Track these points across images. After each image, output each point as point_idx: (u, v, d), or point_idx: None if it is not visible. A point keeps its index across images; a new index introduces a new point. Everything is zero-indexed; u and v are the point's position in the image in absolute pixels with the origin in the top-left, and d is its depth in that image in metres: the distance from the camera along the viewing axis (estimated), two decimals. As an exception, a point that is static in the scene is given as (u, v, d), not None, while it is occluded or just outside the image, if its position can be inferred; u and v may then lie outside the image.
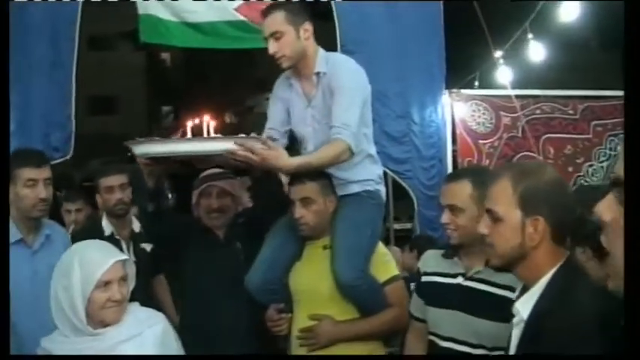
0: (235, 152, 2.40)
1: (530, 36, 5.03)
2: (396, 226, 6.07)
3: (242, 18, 4.66)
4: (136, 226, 3.44)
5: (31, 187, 2.57)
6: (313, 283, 2.70)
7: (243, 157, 2.41)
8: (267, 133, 2.87)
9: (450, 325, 2.21)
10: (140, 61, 19.17)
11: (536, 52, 5.14)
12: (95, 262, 1.95)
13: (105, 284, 1.94)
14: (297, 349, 2.70)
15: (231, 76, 16.71)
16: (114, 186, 3.35)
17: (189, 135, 2.42)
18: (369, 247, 2.73)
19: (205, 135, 2.44)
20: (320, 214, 2.65)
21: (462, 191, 2.19)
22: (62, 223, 3.47)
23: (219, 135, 2.43)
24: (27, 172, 2.57)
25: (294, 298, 2.78)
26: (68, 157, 4.44)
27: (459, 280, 2.25)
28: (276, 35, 2.64)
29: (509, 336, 1.63)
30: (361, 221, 2.70)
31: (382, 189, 2.90)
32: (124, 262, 2.04)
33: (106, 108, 17.56)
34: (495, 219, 1.61)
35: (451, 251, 2.33)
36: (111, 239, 3.18)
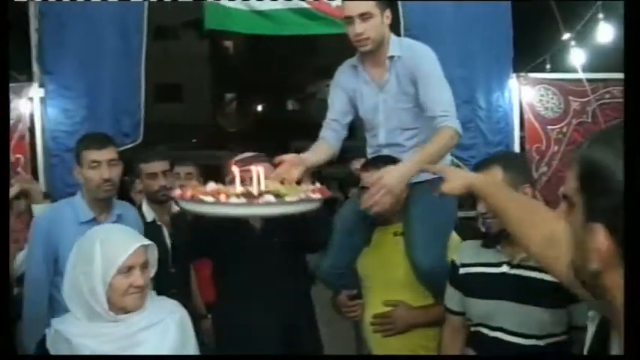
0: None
1: (601, 16, 4.85)
2: (460, 213, 5.98)
3: (306, 5, 4.68)
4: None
5: (95, 168, 2.67)
6: (385, 270, 2.69)
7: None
8: (329, 125, 2.87)
9: (498, 315, 2.16)
10: (204, 49, 19.46)
11: (607, 33, 4.96)
12: (118, 247, 1.87)
13: (127, 269, 1.86)
14: (370, 335, 2.70)
15: (293, 63, 16.79)
16: (157, 172, 3.33)
17: (237, 180, 2.16)
18: (446, 234, 2.71)
19: (256, 183, 2.15)
20: (394, 200, 2.58)
21: (494, 178, 2.13)
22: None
23: (271, 196, 2.07)
24: (90, 154, 2.68)
25: (364, 283, 2.78)
26: (138, 142, 4.60)
27: (504, 268, 2.19)
28: (364, 16, 2.61)
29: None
30: (437, 207, 2.65)
31: None
32: (146, 247, 1.95)
33: (171, 96, 17.92)
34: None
35: (491, 240, 2.26)
36: (152, 225, 3.23)
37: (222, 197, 1.99)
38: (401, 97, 2.71)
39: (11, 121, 4.49)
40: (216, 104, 20.54)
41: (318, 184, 2.38)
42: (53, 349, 1.83)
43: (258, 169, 2.15)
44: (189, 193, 2.08)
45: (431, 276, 2.58)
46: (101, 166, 2.67)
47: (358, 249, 2.78)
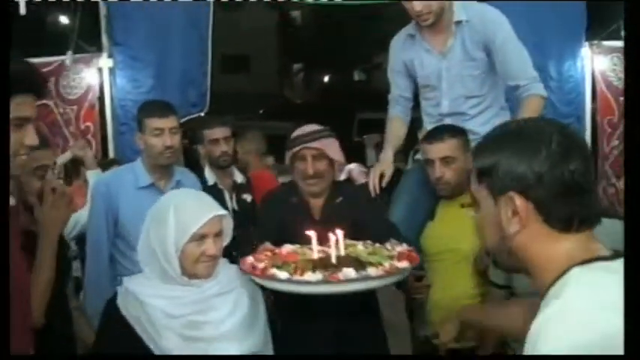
0: None
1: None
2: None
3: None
4: (238, 177, 3.50)
5: (157, 136, 2.70)
6: (453, 243, 2.59)
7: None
8: (396, 101, 2.82)
9: None
10: (272, 20, 19.52)
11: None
12: (191, 215, 1.82)
13: (200, 237, 1.81)
14: (437, 317, 2.59)
15: (360, 33, 16.63)
16: (219, 138, 3.38)
17: (314, 244, 2.01)
18: None
19: (334, 249, 1.97)
20: (460, 171, 2.51)
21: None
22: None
23: (352, 270, 1.88)
24: (153, 122, 2.71)
25: (428, 259, 2.66)
26: (205, 111, 4.68)
27: None
28: None
29: None
30: None
31: None
32: (221, 217, 1.89)
33: (239, 66, 18.09)
34: None
35: None
36: (214, 189, 3.28)
37: (298, 275, 1.85)
38: (467, 64, 2.62)
39: (80, 91, 4.65)
40: (283, 75, 20.60)
41: (405, 245, 2.18)
42: (124, 307, 1.81)
43: (337, 234, 2.00)
44: (261, 266, 1.95)
45: None
46: (163, 133, 2.71)
47: (423, 223, 2.70)
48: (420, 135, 2.81)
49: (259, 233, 2.52)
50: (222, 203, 3.21)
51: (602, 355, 0.95)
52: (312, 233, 2.04)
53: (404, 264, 1.98)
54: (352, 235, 2.46)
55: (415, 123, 3.04)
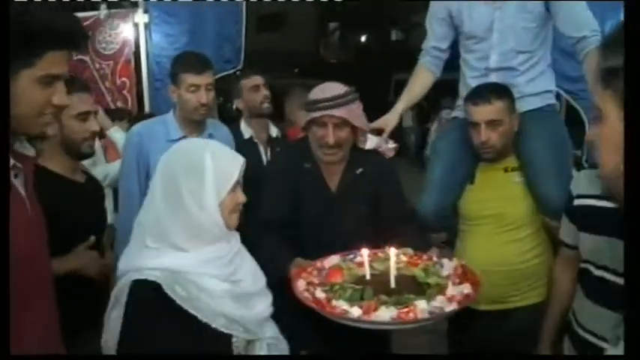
0: None
1: None
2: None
3: None
4: (274, 131, 3.45)
5: (193, 92, 2.67)
6: (497, 209, 2.48)
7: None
8: (428, 52, 2.71)
9: (605, 253, 2.00)
10: (308, -23, 19.28)
11: None
12: (231, 161, 1.68)
13: (236, 186, 1.67)
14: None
15: (399, -9, 16.35)
16: (259, 85, 3.36)
17: (366, 264, 1.90)
18: (570, 167, 2.47)
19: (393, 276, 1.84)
20: (506, 134, 2.40)
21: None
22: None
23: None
24: (190, 78, 2.67)
25: (467, 222, 2.58)
26: (239, 68, 4.68)
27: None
28: None
29: None
30: (556, 139, 2.45)
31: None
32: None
33: (274, 25, 17.97)
34: None
35: None
36: (249, 143, 3.27)
37: (371, 313, 1.70)
38: (522, 15, 2.47)
39: (116, 46, 4.69)
40: (319, 34, 20.41)
41: (454, 261, 2.02)
42: (170, 290, 1.54)
43: (390, 252, 1.87)
44: (320, 296, 1.82)
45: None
46: (199, 90, 2.68)
47: (462, 187, 2.57)
48: (461, 88, 2.67)
49: (271, 197, 2.38)
50: (257, 157, 3.22)
51: (602, 355, 0.93)
52: (364, 252, 1.92)
53: (468, 288, 1.83)
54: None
55: (448, 85, 2.95)
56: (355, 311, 1.70)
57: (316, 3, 19.45)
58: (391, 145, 2.64)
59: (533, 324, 2.27)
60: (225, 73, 4.61)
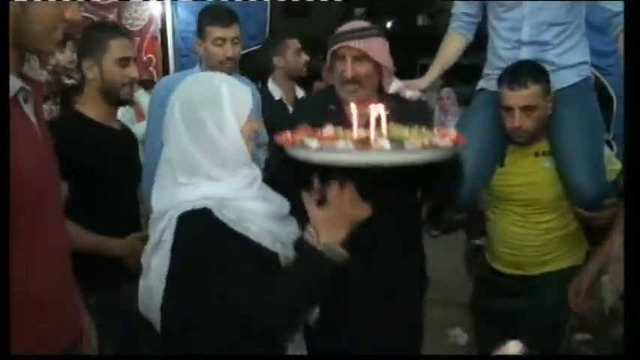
0: None
1: None
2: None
3: None
4: (299, 92, 3.56)
5: (219, 45, 2.66)
6: (526, 194, 2.44)
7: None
8: (458, 18, 2.63)
9: None
10: (334, -38, 19.19)
11: None
12: (244, 91, 1.68)
13: (251, 115, 1.67)
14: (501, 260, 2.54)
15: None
16: (300, 49, 3.48)
17: (355, 121, 1.74)
18: (602, 155, 2.40)
19: (374, 125, 1.68)
20: (540, 119, 2.33)
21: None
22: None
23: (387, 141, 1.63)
24: (216, 32, 2.66)
25: (497, 205, 2.53)
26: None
27: None
28: None
29: None
30: (590, 121, 2.37)
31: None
32: None
33: (300, 9, 17.96)
34: None
35: None
36: (279, 103, 3.35)
37: (328, 143, 1.64)
38: None
39: (143, 22, 4.70)
40: (345, 20, 20.36)
41: (451, 129, 1.85)
42: (222, 215, 1.55)
43: (378, 108, 1.67)
44: (295, 136, 1.75)
45: (597, 203, 2.31)
46: (226, 43, 2.66)
47: (493, 169, 2.50)
48: (491, 57, 2.58)
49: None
50: (285, 117, 3.19)
51: (602, 355, 0.91)
52: (353, 108, 1.74)
53: (445, 141, 1.69)
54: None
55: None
56: (313, 143, 1.64)
57: (343, -12, 19.43)
58: (415, 93, 2.52)
59: (560, 289, 2.29)
60: (249, 49, 4.60)
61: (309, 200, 1.61)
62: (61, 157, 1.73)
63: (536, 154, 2.43)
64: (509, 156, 2.48)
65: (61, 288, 1.49)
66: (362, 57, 2.12)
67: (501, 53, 2.51)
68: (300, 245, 1.57)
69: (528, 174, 2.44)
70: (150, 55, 4.70)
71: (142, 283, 1.62)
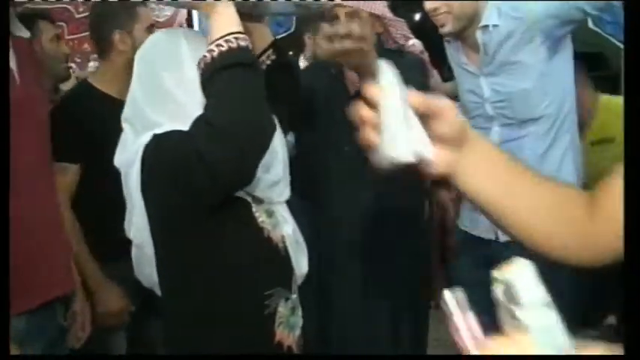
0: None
1: None
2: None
3: None
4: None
5: None
6: None
7: None
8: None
9: None
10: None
11: None
12: (203, 39, 1.51)
13: None
14: None
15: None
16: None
17: None
18: None
19: None
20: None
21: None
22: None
23: None
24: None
25: None
26: (291, 31, 4.68)
27: None
28: None
29: None
30: None
31: None
32: None
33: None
34: None
35: None
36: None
37: None
38: None
39: (169, 13, 4.76)
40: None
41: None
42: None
43: None
44: None
45: None
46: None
47: None
48: None
49: None
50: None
51: (602, 355, 0.94)
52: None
53: None
54: None
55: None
56: None
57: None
58: (418, 46, 2.45)
59: None
60: (278, 36, 4.62)
61: None
62: (76, 133, 1.80)
63: (592, 144, 2.42)
64: None
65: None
66: (355, 13, 1.99)
67: None
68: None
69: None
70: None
71: (133, 250, 1.55)
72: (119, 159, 1.53)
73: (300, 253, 1.60)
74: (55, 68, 2.48)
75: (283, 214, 1.58)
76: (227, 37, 1.36)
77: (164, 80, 1.47)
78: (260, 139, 1.38)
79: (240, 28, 1.38)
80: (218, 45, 1.36)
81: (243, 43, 1.37)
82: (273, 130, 1.44)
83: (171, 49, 1.52)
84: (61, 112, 2.06)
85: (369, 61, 1.77)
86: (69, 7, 4.67)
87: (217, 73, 1.36)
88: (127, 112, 1.54)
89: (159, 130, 1.43)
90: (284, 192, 1.58)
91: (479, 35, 2.04)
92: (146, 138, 1.44)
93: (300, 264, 1.58)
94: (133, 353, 2.21)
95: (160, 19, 4.82)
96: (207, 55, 1.37)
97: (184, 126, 1.38)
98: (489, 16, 2.02)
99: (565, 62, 2.05)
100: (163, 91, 1.47)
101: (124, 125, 1.54)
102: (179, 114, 1.44)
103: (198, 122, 1.35)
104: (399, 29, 2.17)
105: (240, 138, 1.31)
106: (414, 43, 2.38)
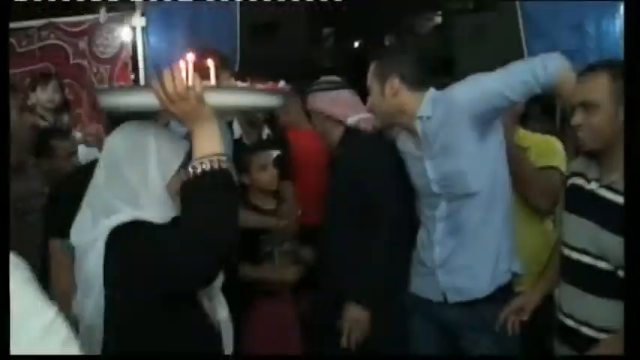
0: None
1: None
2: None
3: None
4: (265, 133, 3.48)
5: None
6: None
7: None
8: None
9: (579, 234, 1.92)
10: (301, -16, 19.35)
11: None
12: (174, 145, 1.68)
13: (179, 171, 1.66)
14: None
15: (391, -4, 16.41)
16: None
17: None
18: None
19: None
20: None
21: (599, 86, 1.69)
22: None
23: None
24: None
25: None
26: (235, 71, 4.67)
27: (593, 186, 1.87)
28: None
29: None
30: None
31: None
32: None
33: (267, 31, 18.03)
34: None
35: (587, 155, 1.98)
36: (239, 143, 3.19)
37: None
38: None
39: (114, 50, 4.69)
40: (313, 40, 20.41)
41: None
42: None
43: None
44: None
45: None
46: None
47: None
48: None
49: None
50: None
51: (602, 355, 0.93)
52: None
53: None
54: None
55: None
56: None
57: (309, 9, 19.52)
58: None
59: None
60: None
61: None
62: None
63: None
64: None
65: None
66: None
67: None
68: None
69: None
70: (121, 83, 4.69)
71: (81, 329, 1.60)
72: (77, 238, 1.64)
73: (229, 336, 1.77)
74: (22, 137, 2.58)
75: (220, 298, 1.76)
76: (211, 158, 1.51)
77: (125, 171, 1.61)
78: (228, 254, 1.56)
79: (222, 150, 1.54)
80: (202, 163, 1.50)
81: (224, 166, 1.52)
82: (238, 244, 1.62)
83: (138, 144, 1.64)
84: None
85: None
86: (12, 40, 4.56)
87: (199, 190, 1.51)
88: (89, 196, 1.66)
89: (122, 217, 1.56)
90: (220, 277, 1.71)
91: (417, 125, 2.36)
92: (109, 223, 1.55)
93: (229, 347, 1.77)
94: (133, 353, 2.16)
95: (105, 56, 4.75)
96: (191, 170, 1.52)
97: (141, 212, 1.57)
98: (424, 108, 2.34)
99: (495, 142, 2.34)
100: (124, 180, 1.60)
101: (84, 206, 1.66)
102: (138, 202, 1.59)
103: (173, 230, 1.55)
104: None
105: (212, 251, 1.48)
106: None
